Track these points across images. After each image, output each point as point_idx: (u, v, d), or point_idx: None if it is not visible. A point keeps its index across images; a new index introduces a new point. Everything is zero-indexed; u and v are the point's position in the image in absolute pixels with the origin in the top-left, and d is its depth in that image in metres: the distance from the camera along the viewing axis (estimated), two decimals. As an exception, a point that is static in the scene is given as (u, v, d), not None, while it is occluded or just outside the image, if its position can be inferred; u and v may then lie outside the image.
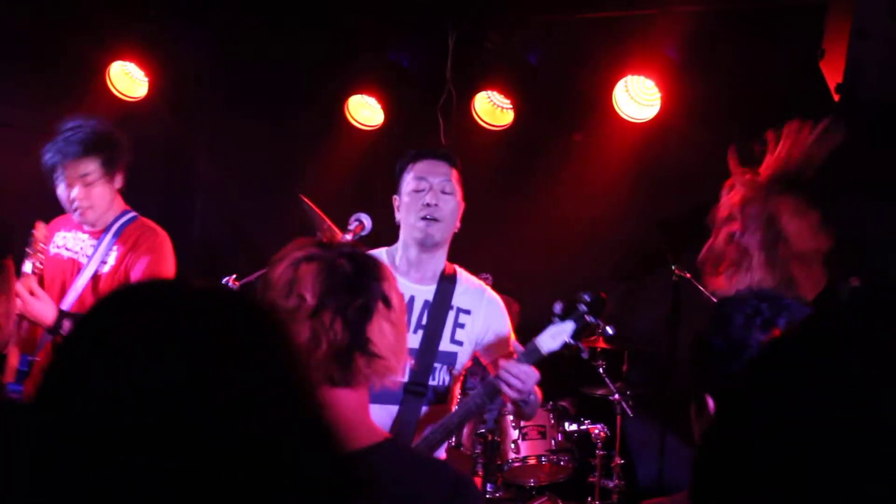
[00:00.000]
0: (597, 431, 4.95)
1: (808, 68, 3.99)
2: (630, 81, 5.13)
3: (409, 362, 2.94)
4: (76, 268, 3.84)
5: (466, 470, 4.90)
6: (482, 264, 5.57)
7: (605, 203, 5.60)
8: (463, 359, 3.16)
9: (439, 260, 3.20)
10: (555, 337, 2.85)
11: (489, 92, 5.54)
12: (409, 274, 3.16)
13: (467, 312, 3.17)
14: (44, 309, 3.53)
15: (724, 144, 5.39)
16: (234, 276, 4.55)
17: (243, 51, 5.90)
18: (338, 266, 1.81)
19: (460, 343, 3.15)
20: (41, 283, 3.72)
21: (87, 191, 3.77)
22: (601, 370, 5.04)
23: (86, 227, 3.86)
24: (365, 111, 5.81)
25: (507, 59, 5.36)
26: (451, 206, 3.12)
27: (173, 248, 3.99)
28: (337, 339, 1.75)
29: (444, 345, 3.11)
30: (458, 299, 3.18)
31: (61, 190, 3.76)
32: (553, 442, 4.86)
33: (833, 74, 3.66)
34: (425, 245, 3.10)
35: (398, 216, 3.17)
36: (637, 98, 5.17)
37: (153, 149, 6.40)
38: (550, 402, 4.99)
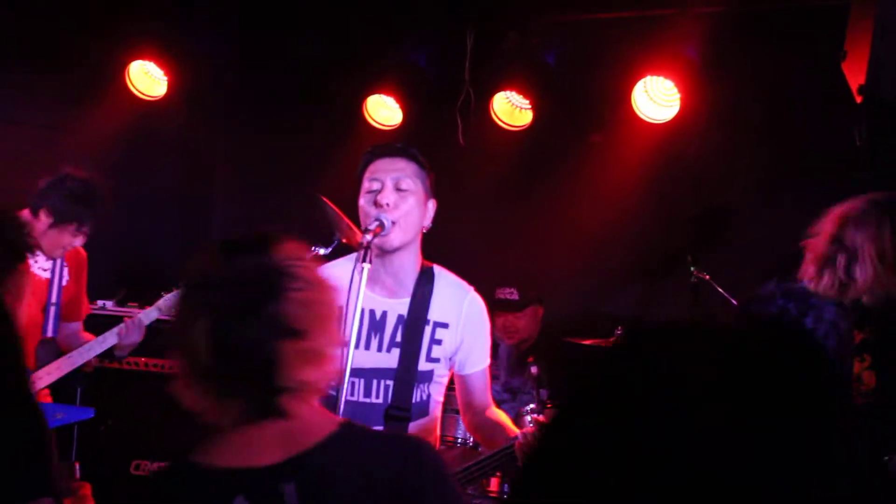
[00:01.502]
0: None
1: (829, 70, 3.96)
2: (649, 82, 5.11)
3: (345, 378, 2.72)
4: (36, 280, 4.24)
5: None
6: (502, 265, 5.57)
7: (624, 204, 5.58)
8: (441, 374, 3.02)
9: (409, 265, 2.97)
10: None
11: (508, 92, 5.52)
12: (378, 285, 2.94)
13: (444, 326, 2.97)
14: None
15: (744, 145, 5.40)
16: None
17: (262, 50, 5.91)
18: (224, 315, 1.60)
19: (437, 360, 2.97)
20: None
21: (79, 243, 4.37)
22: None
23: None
24: (383, 111, 5.80)
25: (525, 59, 5.34)
26: (409, 205, 2.90)
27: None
28: (248, 396, 1.63)
29: (421, 364, 2.94)
30: (435, 311, 2.96)
31: (67, 237, 4.22)
32: (570, 443, 4.84)
33: (855, 76, 3.63)
34: (383, 250, 2.88)
35: (387, 221, 2.93)
36: (656, 99, 5.14)
37: (172, 148, 6.43)
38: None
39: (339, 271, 2.85)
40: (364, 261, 2.77)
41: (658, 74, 5.00)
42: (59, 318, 4.33)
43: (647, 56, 5.01)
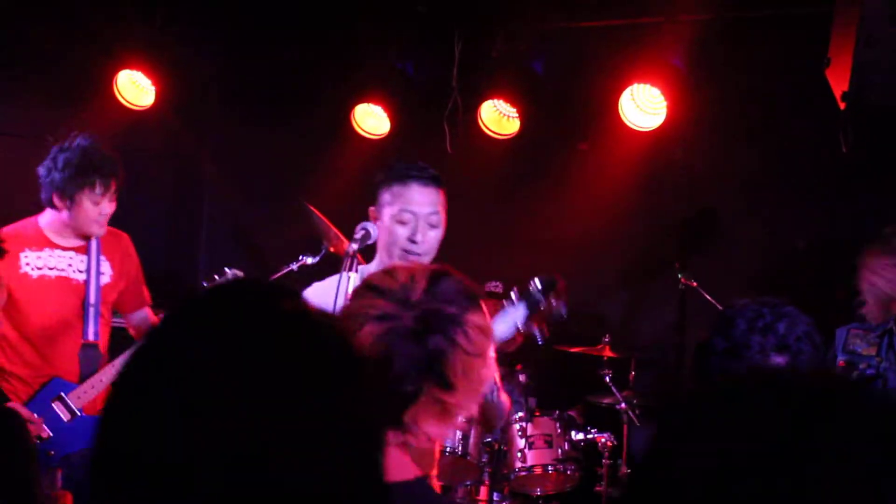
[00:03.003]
0: (603, 440, 4.94)
1: (813, 77, 3.99)
2: (636, 90, 5.13)
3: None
4: (73, 285, 4.00)
5: (473, 478, 4.89)
6: (489, 274, 5.57)
7: (611, 211, 5.60)
8: None
9: None
10: (506, 322, 2.78)
11: (495, 101, 5.54)
12: None
13: None
14: None
15: (731, 153, 5.43)
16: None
17: (250, 59, 5.92)
18: (396, 329, 1.58)
19: None
20: (13, 306, 3.83)
21: (113, 206, 3.97)
22: (608, 379, 5.03)
23: (61, 243, 3.99)
24: (371, 120, 5.81)
25: (513, 67, 5.36)
26: (437, 237, 2.98)
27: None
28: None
29: None
30: None
31: (91, 207, 3.87)
32: (560, 451, 4.85)
33: (839, 83, 3.65)
34: None
35: (373, 229, 2.96)
36: (643, 107, 5.17)
37: (160, 157, 6.43)
38: (557, 412, 4.98)
39: (326, 296, 2.86)
40: (350, 269, 2.78)
41: (645, 82, 5.02)
42: (100, 317, 4.10)
43: (633, 64, 5.03)
